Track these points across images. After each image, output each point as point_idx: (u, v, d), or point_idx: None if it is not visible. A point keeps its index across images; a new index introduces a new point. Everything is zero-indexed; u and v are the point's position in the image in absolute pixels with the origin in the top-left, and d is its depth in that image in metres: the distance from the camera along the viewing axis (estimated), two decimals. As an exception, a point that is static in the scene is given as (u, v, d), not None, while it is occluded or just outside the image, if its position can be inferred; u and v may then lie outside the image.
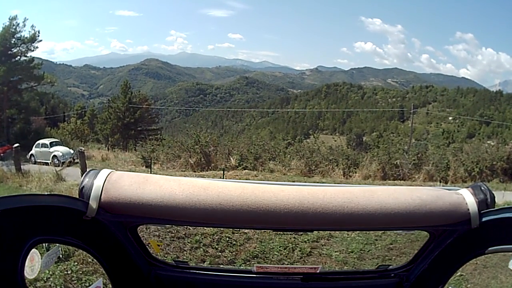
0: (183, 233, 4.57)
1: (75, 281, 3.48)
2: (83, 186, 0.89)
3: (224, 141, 14.78)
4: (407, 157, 12.62)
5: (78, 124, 31.23)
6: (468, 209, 0.92)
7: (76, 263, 3.65)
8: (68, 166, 12.51)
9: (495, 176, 11.96)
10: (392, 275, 1.22)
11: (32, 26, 29.88)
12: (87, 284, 3.43)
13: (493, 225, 0.91)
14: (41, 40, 27.93)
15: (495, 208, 0.92)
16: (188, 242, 4.50)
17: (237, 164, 12.29)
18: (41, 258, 1.00)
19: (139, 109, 31.93)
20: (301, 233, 4.16)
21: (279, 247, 4.55)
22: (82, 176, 0.94)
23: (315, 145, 13.94)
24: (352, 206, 0.89)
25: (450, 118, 66.64)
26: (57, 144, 19.18)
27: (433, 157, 12.88)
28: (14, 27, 26.63)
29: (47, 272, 3.30)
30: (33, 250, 0.88)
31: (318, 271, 1.20)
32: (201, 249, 4.43)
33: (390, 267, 1.25)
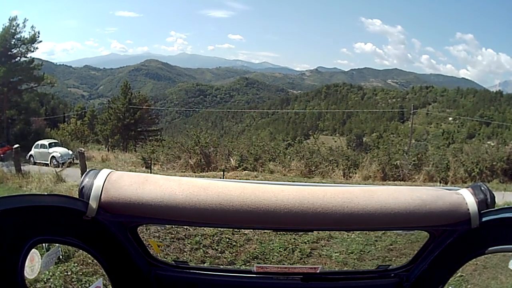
0: (183, 234, 4.57)
1: (75, 282, 3.47)
2: (83, 186, 0.88)
3: (224, 142, 14.78)
4: (407, 157, 12.62)
5: (78, 125, 31.22)
6: (468, 209, 0.92)
7: (76, 264, 3.65)
8: (68, 166, 12.50)
9: (495, 176, 11.97)
10: (392, 275, 1.22)
11: (32, 26, 29.67)
12: (87, 285, 3.42)
13: (493, 225, 0.91)
14: (41, 41, 27.89)
15: (495, 208, 0.92)
16: (188, 243, 4.50)
17: (237, 165, 12.29)
18: (41, 258, 1.00)
19: (139, 110, 31.92)
20: (301, 233, 4.16)
21: (279, 248, 4.55)
22: (82, 176, 0.94)
23: (315, 146, 13.94)
24: (352, 206, 0.89)
25: (450, 118, 66.68)
26: (56, 145, 19.17)
27: (433, 157, 12.89)
28: (14, 27, 26.59)
29: (47, 273, 3.30)
30: (33, 250, 0.88)
31: (318, 271, 1.20)
32: (201, 250, 4.42)
33: (390, 267, 1.25)
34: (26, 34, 27.10)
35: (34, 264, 0.96)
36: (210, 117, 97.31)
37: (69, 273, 3.54)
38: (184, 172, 12.06)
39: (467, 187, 0.97)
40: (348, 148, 20.27)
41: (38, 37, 27.57)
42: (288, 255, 4.44)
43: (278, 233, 4.26)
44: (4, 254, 0.79)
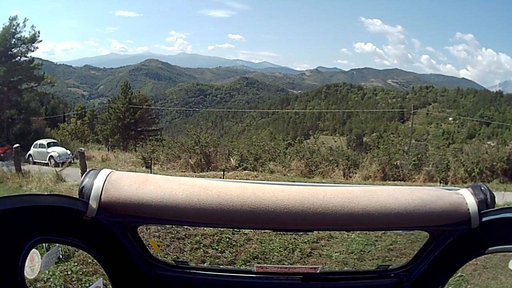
0: (183, 233, 4.57)
1: (75, 282, 3.48)
2: (83, 186, 0.89)
3: (224, 141, 14.79)
4: (407, 157, 12.64)
5: (78, 124, 31.19)
6: (468, 209, 0.92)
7: (76, 264, 3.65)
8: (68, 166, 12.51)
9: (495, 176, 11.96)
10: (392, 275, 1.22)
11: (32, 26, 29.83)
12: (87, 285, 3.42)
13: (493, 225, 0.91)
14: (41, 41, 27.97)
15: (495, 208, 0.92)
16: (188, 243, 4.50)
17: (237, 165, 12.30)
18: (41, 258, 1.00)
19: (139, 109, 31.93)
20: (301, 233, 4.15)
21: (279, 248, 4.55)
22: (82, 176, 0.94)
23: (315, 145, 13.96)
24: (352, 206, 0.89)
25: (450, 118, 66.68)
26: (55, 144, 19.15)
27: (433, 157, 12.90)
28: (14, 27, 26.64)
29: (47, 272, 3.30)
30: (33, 250, 0.88)
31: (318, 271, 1.20)
32: (201, 250, 4.42)
33: (390, 267, 1.25)
34: (26, 33, 27.23)
35: (34, 264, 0.95)
36: (210, 117, 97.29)
37: (69, 273, 3.54)
38: (184, 172, 12.06)
39: (467, 187, 0.97)
40: (348, 148, 20.32)
41: (38, 36, 27.67)
42: (288, 255, 4.44)
43: (278, 233, 4.26)
44: (4, 254, 0.79)
